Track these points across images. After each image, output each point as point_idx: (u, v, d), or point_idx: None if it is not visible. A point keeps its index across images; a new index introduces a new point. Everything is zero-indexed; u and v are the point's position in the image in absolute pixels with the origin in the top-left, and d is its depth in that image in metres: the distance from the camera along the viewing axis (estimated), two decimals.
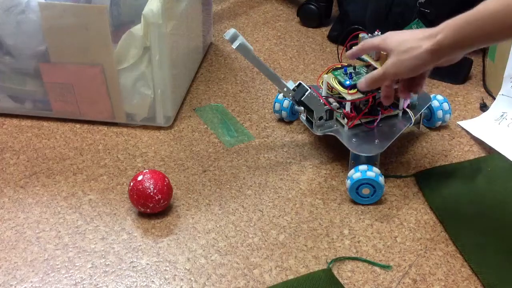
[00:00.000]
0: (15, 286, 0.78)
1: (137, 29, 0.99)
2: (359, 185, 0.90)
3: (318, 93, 0.95)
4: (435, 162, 1.01)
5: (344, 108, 0.95)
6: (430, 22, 1.14)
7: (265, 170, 0.99)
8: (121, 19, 1.03)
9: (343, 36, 1.17)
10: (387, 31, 0.92)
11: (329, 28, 1.43)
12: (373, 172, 0.89)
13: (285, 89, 0.95)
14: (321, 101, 0.94)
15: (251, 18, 1.50)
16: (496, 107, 1.12)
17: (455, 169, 0.98)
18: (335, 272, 0.80)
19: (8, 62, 1.04)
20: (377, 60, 0.93)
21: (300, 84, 0.94)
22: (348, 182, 0.91)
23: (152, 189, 0.86)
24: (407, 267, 0.81)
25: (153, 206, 0.87)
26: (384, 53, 0.89)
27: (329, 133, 0.97)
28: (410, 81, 0.88)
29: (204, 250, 0.84)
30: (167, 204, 0.89)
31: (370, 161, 0.92)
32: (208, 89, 1.21)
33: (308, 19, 1.46)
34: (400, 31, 0.85)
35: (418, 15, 1.20)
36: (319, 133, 0.97)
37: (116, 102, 1.05)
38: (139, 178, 0.87)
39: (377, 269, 0.81)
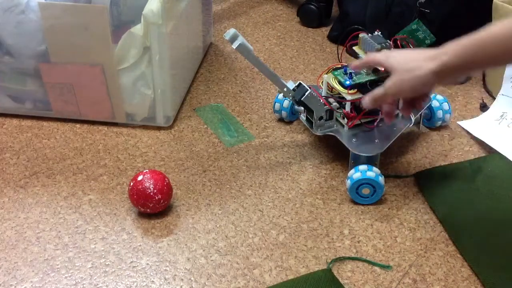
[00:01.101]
0: (15, 286, 0.78)
1: (137, 29, 0.99)
2: (359, 185, 0.90)
3: (318, 93, 0.95)
4: (435, 162, 1.01)
5: (344, 108, 0.95)
6: (430, 22, 1.14)
7: (265, 170, 0.99)
8: (121, 19, 1.03)
9: (343, 36, 1.17)
10: (387, 31, 0.92)
11: (329, 28, 1.43)
12: (373, 172, 0.89)
13: (285, 89, 0.95)
14: (321, 101, 0.94)
15: (251, 18, 1.50)
16: (496, 107, 1.12)
17: (455, 169, 0.98)
18: (335, 272, 0.80)
19: (8, 62, 1.04)
20: None
21: (300, 84, 0.94)
22: (348, 182, 0.91)
23: (152, 189, 0.86)
24: (407, 267, 0.81)
25: (153, 206, 0.87)
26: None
27: (329, 133, 0.97)
28: (413, 99, 0.87)
29: (204, 250, 0.84)
30: (167, 204, 0.89)
31: (370, 161, 0.92)
32: (208, 89, 1.21)
33: (308, 19, 1.46)
34: (404, 50, 0.83)
35: (418, 15, 1.19)
36: (319, 133, 0.97)
37: (116, 102, 1.05)
38: (139, 178, 0.87)
39: (377, 269, 0.81)
